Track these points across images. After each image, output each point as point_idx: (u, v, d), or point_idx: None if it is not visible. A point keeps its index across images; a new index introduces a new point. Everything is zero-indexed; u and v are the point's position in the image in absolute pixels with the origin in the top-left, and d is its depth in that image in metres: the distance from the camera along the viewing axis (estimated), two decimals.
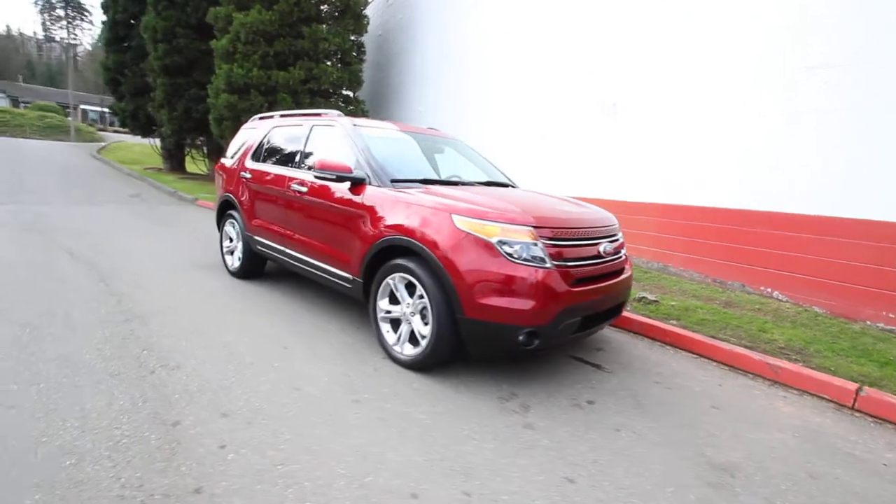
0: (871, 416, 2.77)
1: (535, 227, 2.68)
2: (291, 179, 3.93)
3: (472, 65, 9.98)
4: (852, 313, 4.17)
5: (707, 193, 5.43)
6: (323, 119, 4.05)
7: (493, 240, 2.63)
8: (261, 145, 4.64)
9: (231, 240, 5.00)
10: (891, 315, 3.97)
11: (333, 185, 3.50)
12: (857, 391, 2.82)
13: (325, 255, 3.58)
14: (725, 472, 2.17)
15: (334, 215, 3.47)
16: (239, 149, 5.04)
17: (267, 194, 4.26)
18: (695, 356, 3.60)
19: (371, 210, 3.19)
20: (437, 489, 1.91)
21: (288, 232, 3.98)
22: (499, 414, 2.53)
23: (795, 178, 4.67)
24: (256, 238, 4.43)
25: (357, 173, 3.33)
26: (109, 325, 3.32)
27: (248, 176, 4.55)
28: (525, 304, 2.58)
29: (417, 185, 3.28)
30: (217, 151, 19.18)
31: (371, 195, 3.22)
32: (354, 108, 12.50)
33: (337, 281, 3.51)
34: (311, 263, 3.75)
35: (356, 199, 3.30)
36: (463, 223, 2.71)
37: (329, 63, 11.90)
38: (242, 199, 4.61)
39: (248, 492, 1.83)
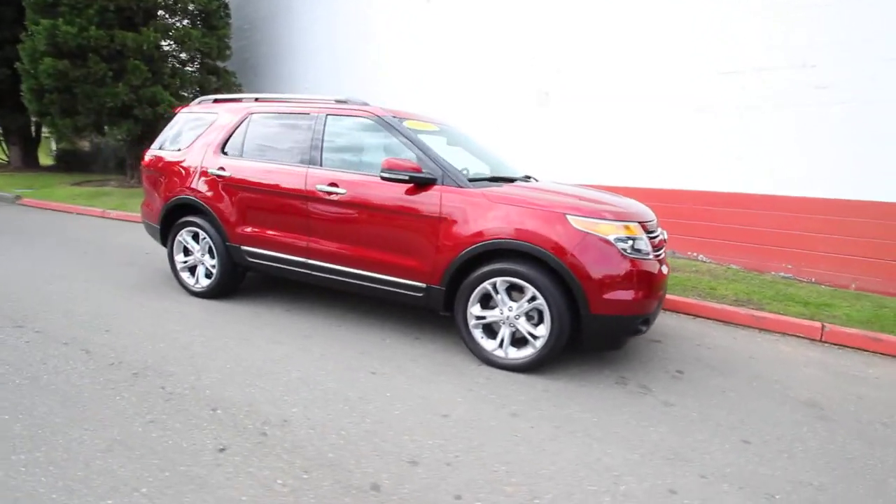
0: (836, 344, 3.79)
1: (640, 223, 2.89)
2: (316, 180, 3.36)
3: (392, 43, 9.31)
4: (761, 267, 5.48)
5: (637, 175, 6.33)
6: (345, 108, 3.51)
7: (611, 237, 2.76)
8: (235, 136, 3.81)
9: (188, 253, 4.04)
10: (788, 266, 5.35)
11: (390, 187, 3.14)
12: (822, 328, 3.82)
13: (379, 265, 3.22)
14: (813, 406, 2.78)
15: (397, 220, 3.13)
16: (188, 139, 4.05)
17: (268, 197, 3.56)
18: (691, 316, 4.34)
19: (456, 213, 2.98)
20: (680, 479, 2.03)
21: (312, 241, 3.42)
22: (634, 398, 2.73)
23: (713, 161, 5.79)
24: (249, 249, 3.69)
25: (426, 173, 3.05)
26: (147, 396, 2.50)
27: (227, 174, 3.71)
28: (640, 294, 2.79)
29: (491, 184, 3.17)
30: (24, 135, 14.50)
31: (453, 197, 3.00)
32: (224, 82, 10.78)
33: (400, 291, 3.21)
34: (351, 274, 3.33)
35: (430, 201, 3.03)
36: (579, 223, 2.77)
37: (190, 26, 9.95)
38: (218, 203, 3.75)
39: None
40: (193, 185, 3.87)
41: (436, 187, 3.05)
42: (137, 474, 1.87)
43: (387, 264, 3.20)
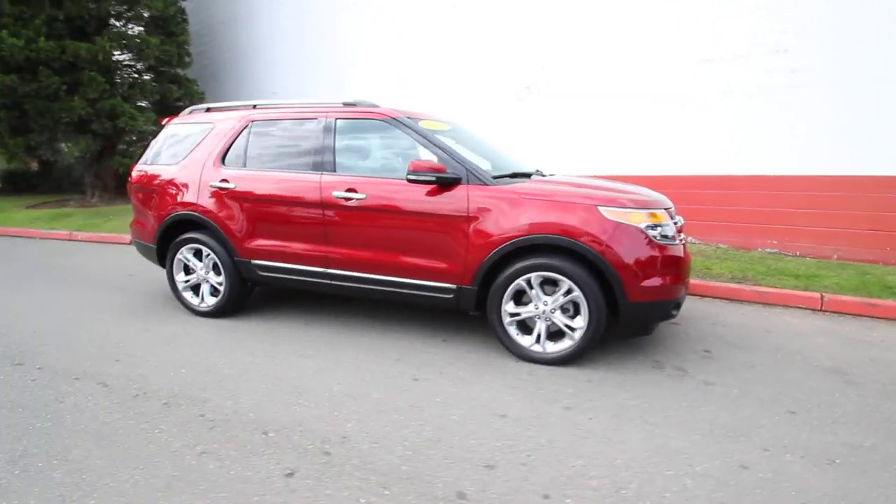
0: (836, 312, 4.02)
1: (665, 209, 2.96)
2: (331, 186, 3.25)
3: (370, 41, 9.11)
4: (748, 245, 5.74)
5: (621, 163, 6.49)
6: (355, 111, 3.41)
7: (642, 225, 2.80)
8: (236, 146, 3.63)
9: (190, 272, 3.84)
10: (774, 242, 5.62)
11: (413, 189, 3.08)
12: (822, 298, 4.04)
13: (406, 269, 3.15)
14: (838, 372, 2.93)
15: (423, 222, 3.07)
16: (181, 151, 3.83)
17: (279, 207, 3.42)
18: (696, 297, 4.48)
19: (485, 211, 2.95)
20: (745, 454, 2.08)
21: (332, 249, 3.31)
22: (674, 381, 2.78)
23: (695, 146, 6.01)
24: (261, 263, 3.53)
25: (451, 173, 3.00)
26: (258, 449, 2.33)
27: (231, 186, 3.53)
28: (672, 279, 2.86)
29: (512, 180, 3.16)
30: None
31: (481, 195, 2.97)
32: (185, 91, 10.31)
33: (428, 294, 3.15)
34: (376, 281, 3.24)
35: (457, 201, 2.99)
36: (611, 213, 2.80)
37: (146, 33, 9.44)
38: (223, 217, 3.57)
39: None
40: (194, 200, 3.66)
41: (461, 186, 3.01)
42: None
43: (414, 268, 3.14)
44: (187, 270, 3.89)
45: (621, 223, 2.78)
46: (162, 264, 4.01)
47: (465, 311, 3.21)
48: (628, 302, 2.78)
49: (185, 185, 3.72)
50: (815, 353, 3.22)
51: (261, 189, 3.47)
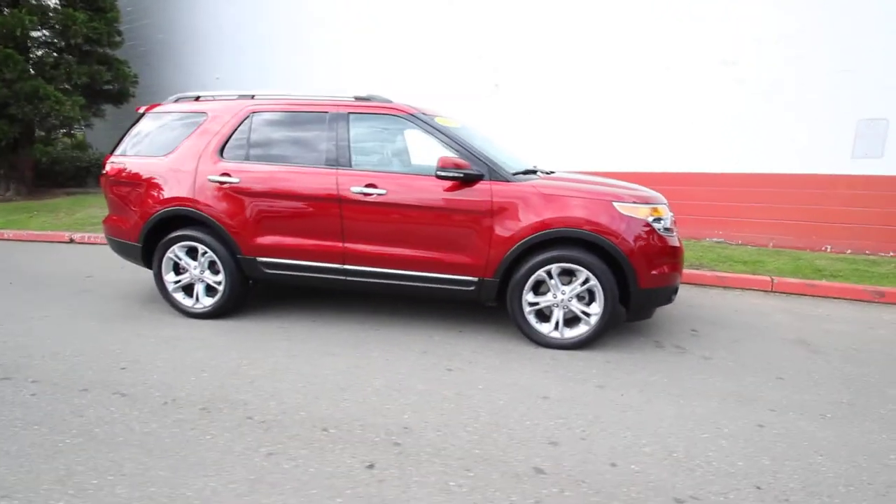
0: (783, 292, 4.63)
1: (664, 205, 3.26)
2: (349, 181, 3.22)
3: (327, 34, 8.81)
4: (698, 235, 6.38)
5: (580, 158, 6.91)
6: (369, 106, 3.38)
7: (649, 219, 3.09)
8: (236, 138, 3.46)
9: (181, 271, 3.61)
10: (719, 232, 6.30)
11: (435, 184, 3.14)
12: (772, 281, 4.64)
13: (428, 264, 3.21)
14: (803, 343, 3.42)
15: (447, 217, 3.15)
16: (169, 142, 3.57)
17: (290, 203, 3.33)
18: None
19: (507, 206, 3.09)
20: (758, 415, 2.40)
21: (349, 245, 3.28)
22: (678, 357, 3.11)
23: (651, 145, 6.56)
24: (267, 260, 3.42)
25: (474, 169, 3.10)
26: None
27: (233, 180, 3.36)
28: (674, 267, 3.19)
29: (529, 176, 3.32)
30: None
31: (503, 190, 3.10)
32: (117, 73, 9.38)
33: (449, 287, 3.25)
34: (395, 276, 3.28)
35: (481, 196, 3.10)
36: (624, 208, 3.05)
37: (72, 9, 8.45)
38: (224, 212, 3.39)
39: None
40: (189, 195, 3.44)
41: (484, 182, 3.12)
42: (326, 500, 1.76)
43: (436, 262, 3.21)
44: (177, 270, 3.66)
45: (633, 217, 3.06)
46: (147, 264, 3.72)
47: (483, 302, 3.35)
48: (640, 289, 3.06)
49: (178, 179, 3.48)
50: (780, 328, 3.73)
51: (269, 184, 3.34)
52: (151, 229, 3.56)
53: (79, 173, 10.83)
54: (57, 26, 7.94)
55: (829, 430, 2.32)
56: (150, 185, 3.55)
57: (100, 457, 2.02)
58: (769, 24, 5.81)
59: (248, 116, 3.48)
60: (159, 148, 3.62)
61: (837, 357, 3.20)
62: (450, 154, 3.20)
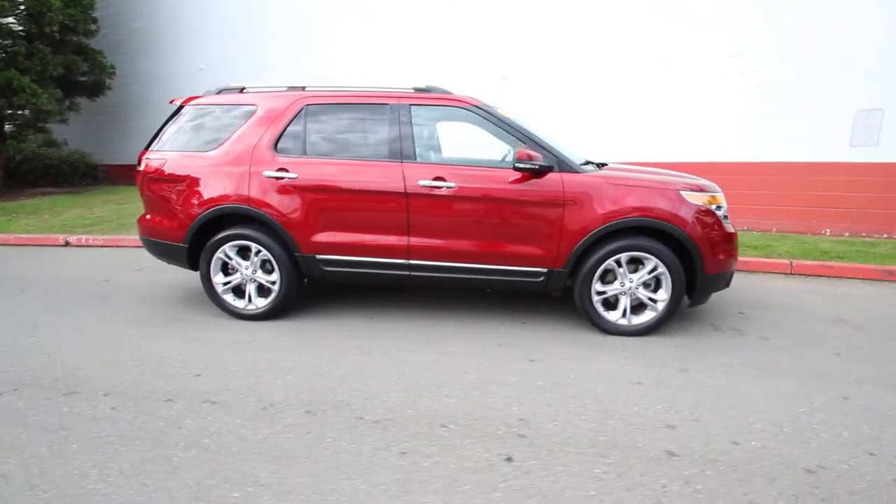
0: (802, 274, 4.89)
1: (720, 192, 3.38)
2: (417, 175, 3.16)
3: (324, 21, 8.53)
4: None
5: (589, 149, 7.03)
6: (430, 97, 3.33)
7: (713, 206, 3.20)
8: (290, 131, 3.32)
9: (230, 272, 3.46)
10: None
11: (504, 176, 3.14)
12: (791, 264, 4.90)
13: (498, 256, 3.21)
14: (841, 321, 3.63)
15: (518, 209, 3.15)
16: (214, 136, 3.40)
17: (354, 198, 3.25)
18: None
19: (578, 197, 3.11)
20: (839, 388, 2.54)
21: (414, 240, 3.23)
22: (739, 339, 3.24)
23: (654, 134, 6.75)
24: (327, 258, 3.32)
25: (545, 161, 3.10)
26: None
27: (292, 175, 3.24)
28: (732, 252, 3.31)
29: (595, 168, 3.36)
30: None
31: (574, 182, 3.13)
32: (94, 64, 8.80)
33: (519, 279, 3.26)
34: (464, 269, 3.26)
35: (553, 188, 3.11)
36: (691, 197, 3.14)
37: None
38: (282, 210, 3.26)
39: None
40: (242, 192, 3.29)
41: (555, 174, 3.14)
42: (475, 501, 1.74)
43: (506, 255, 3.21)
44: (226, 271, 3.50)
45: (699, 206, 3.15)
46: (192, 266, 3.54)
47: (549, 293, 3.38)
48: (706, 275, 3.17)
49: (228, 175, 3.31)
50: (814, 307, 3.95)
51: (331, 179, 3.24)
52: (199, 229, 3.39)
53: (49, 171, 10.11)
54: (31, 12, 7.33)
55: None
56: (197, 182, 3.37)
57: (225, 468, 1.93)
58: (771, 19, 6.08)
59: (301, 109, 3.35)
60: (204, 142, 3.43)
61: (877, 332, 3.41)
62: (519, 146, 3.21)
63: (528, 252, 3.21)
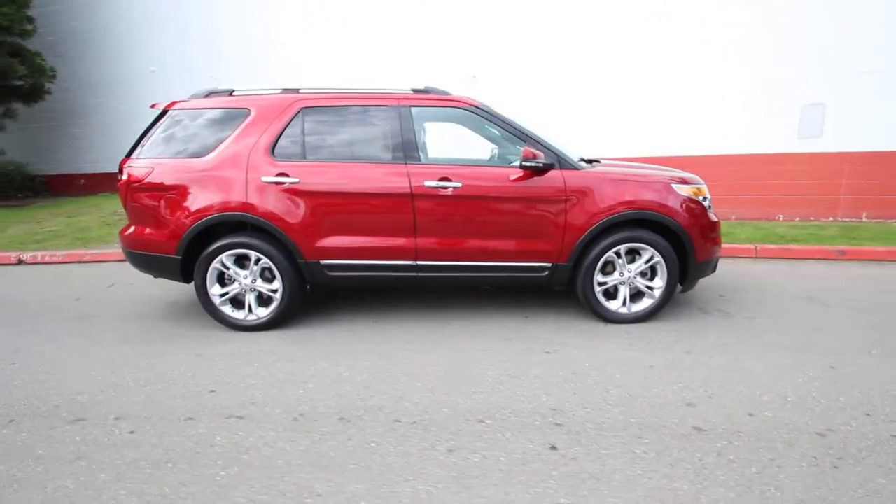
0: (766, 258, 5.28)
1: (704, 184, 3.60)
2: (422, 176, 3.17)
3: (291, 22, 8.30)
4: None
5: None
6: (429, 98, 3.36)
7: (700, 198, 3.41)
8: (287, 135, 3.24)
9: (226, 283, 3.33)
10: None
11: (508, 175, 3.21)
12: (756, 248, 5.29)
13: (504, 253, 3.29)
14: (811, 299, 3.97)
15: (523, 206, 3.24)
16: (206, 141, 3.26)
17: (359, 201, 3.22)
18: None
19: (579, 192, 3.23)
20: (826, 359, 2.79)
21: (421, 241, 3.24)
22: (728, 320, 3.48)
23: (622, 130, 7.07)
24: (332, 263, 3.27)
25: (547, 158, 3.20)
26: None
27: (293, 180, 3.15)
28: (717, 240, 3.55)
29: (590, 164, 3.49)
30: None
31: (575, 178, 3.24)
32: (32, 67, 8.14)
33: (524, 275, 3.35)
34: (470, 268, 3.31)
35: (555, 185, 3.22)
36: (681, 190, 3.34)
37: None
38: (284, 215, 3.18)
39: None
40: (240, 199, 3.17)
41: (556, 171, 3.25)
42: (548, 491, 1.79)
43: (513, 251, 3.29)
44: (222, 281, 3.37)
45: (688, 197, 3.36)
46: (185, 279, 3.38)
47: (552, 286, 3.49)
48: (697, 262, 3.38)
49: (224, 182, 3.19)
50: (784, 287, 4.30)
51: (334, 182, 3.19)
52: (193, 239, 3.24)
53: None
54: None
55: (882, 366, 2.78)
56: (189, 189, 3.22)
57: (276, 483, 1.88)
58: (729, 24, 6.52)
59: (298, 112, 3.27)
60: (194, 148, 3.27)
61: (844, 307, 3.77)
62: (519, 144, 3.29)
63: (534, 248, 3.30)
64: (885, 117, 6.04)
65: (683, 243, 3.32)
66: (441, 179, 3.20)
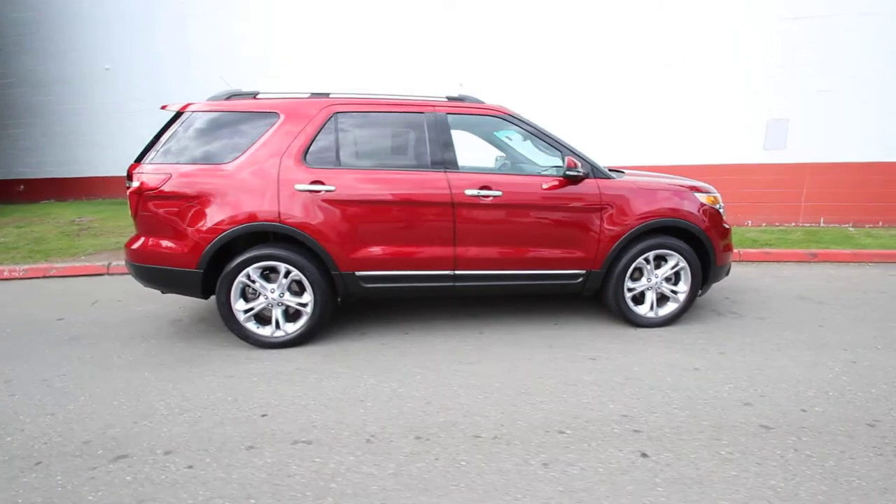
0: (746, 261, 5.64)
1: (717, 192, 3.80)
2: (462, 184, 3.12)
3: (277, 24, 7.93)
4: None
5: None
6: (466, 106, 3.33)
7: (717, 206, 3.59)
8: (320, 141, 3.09)
9: (250, 298, 3.12)
10: None
11: (546, 183, 3.24)
12: (739, 253, 5.63)
13: (542, 261, 3.32)
14: (805, 298, 4.28)
15: (562, 214, 3.27)
16: (231, 146, 3.04)
17: (398, 209, 3.12)
18: None
19: (613, 201, 3.32)
20: (843, 352, 3.01)
21: (460, 250, 3.19)
22: (743, 321, 3.68)
23: (606, 141, 7.35)
24: (368, 274, 3.15)
25: (583, 168, 3.25)
26: None
27: (330, 188, 3.00)
28: (731, 245, 3.75)
29: (619, 173, 3.58)
30: None
31: (609, 187, 3.32)
32: None
33: (559, 282, 3.39)
34: (508, 276, 3.31)
35: (591, 193, 3.28)
36: (702, 197, 3.50)
37: None
38: (319, 225, 3.03)
39: None
40: (272, 208, 2.98)
41: (591, 180, 3.31)
42: (660, 499, 1.79)
43: (550, 259, 3.31)
44: (245, 296, 3.14)
45: (708, 205, 3.53)
46: (204, 294, 3.12)
47: (584, 293, 3.54)
48: (716, 266, 3.56)
49: (253, 190, 2.98)
50: (777, 288, 4.62)
51: (373, 191, 3.07)
52: (218, 252, 3.00)
53: None
54: None
55: (891, 358, 3.04)
56: (213, 198, 2.98)
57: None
58: (698, 38, 6.97)
59: (331, 117, 3.12)
60: (216, 154, 3.04)
61: (836, 305, 4.10)
62: (551, 151, 3.34)
63: (571, 255, 3.34)
64: (840, 131, 6.69)
65: (706, 249, 3.49)
66: (482, 188, 3.17)
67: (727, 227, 3.70)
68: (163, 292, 3.37)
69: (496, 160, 4.08)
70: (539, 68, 7.38)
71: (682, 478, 1.93)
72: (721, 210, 3.66)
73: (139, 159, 3.12)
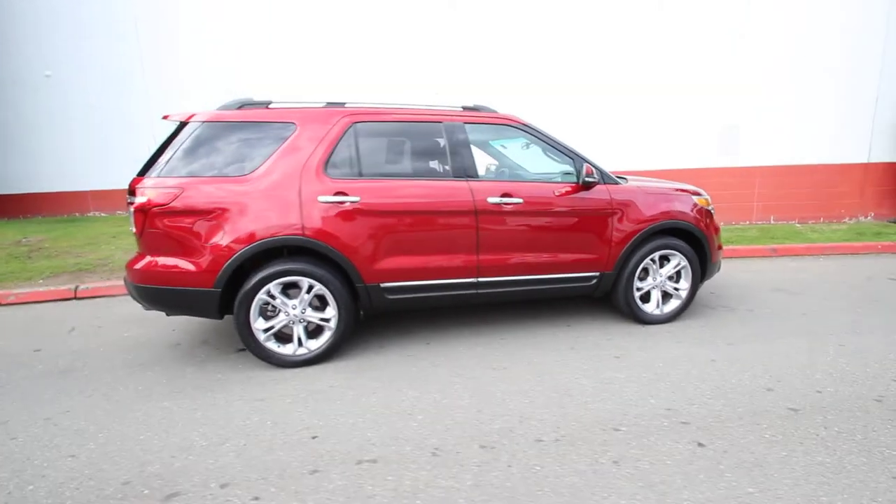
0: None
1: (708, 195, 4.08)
2: (485, 192, 3.15)
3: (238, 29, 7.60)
4: None
5: None
6: (482, 116, 3.38)
7: (710, 207, 3.85)
8: (339, 151, 3.01)
9: (270, 316, 2.97)
10: None
11: (562, 190, 3.34)
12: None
13: (560, 265, 3.42)
14: (781, 290, 4.66)
15: (578, 219, 3.39)
16: (247, 159, 2.89)
17: (423, 219, 3.11)
18: None
19: (622, 205, 3.48)
20: (841, 344, 3.33)
21: (483, 258, 3.22)
22: (753, 317, 3.95)
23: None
24: (393, 285, 3.10)
25: (596, 174, 3.38)
26: None
27: (355, 199, 2.93)
28: (721, 244, 4.03)
29: (622, 178, 3.75)
30: None
31: (618, 192, 3.48)
32: None
33: (574, 285, 3.50)
34: (528, 281, 3.38)
35: (602, 198, 3.43)
36: (699, 200, 3.75)
37: None
38: (344, 237, 2.94)
39: None
40: (295, 221, 2.86)
41: (601, 185, 3.45)
42: (732, 484, 1.89)
43: (567, 263, 3.41)
44: (267, 315, 2.99)
45: (703, 207, 3.79)
46: (219, 314, 2.93)
47: (595, 295, 3.67)
48: (711, 263, 3.82)
49: (274, 203, 2.85)
50: (754, 282, 5.00)
51: (399, 200, 3.04)
52: (237, 269, 2.83)
53: None
54: None
55: (872, 340, 3.40)
56: (230, 212, 2.81)
57: None
58: (658, 53, 7.46)
59: (350, 127, 3.06)
60: (230, 166, 2.88)
61: (809, 295, 4.51)
62: (563, 159, 3.46)
63: (586, 258, 3.47)
64: (785, 138, 7.39)
65: (704, 248, 3.74)
66: (503, 195, 3.23)
67: (719, 227, 3.99)
68: (168, 315, 3.13)
69: (486, 169, 4.15)
70: (502, 74, 7.60)
71: (743, 462, 2.06)
72: (713, 211, 3.94)
73: (142, 173, 2.89)
